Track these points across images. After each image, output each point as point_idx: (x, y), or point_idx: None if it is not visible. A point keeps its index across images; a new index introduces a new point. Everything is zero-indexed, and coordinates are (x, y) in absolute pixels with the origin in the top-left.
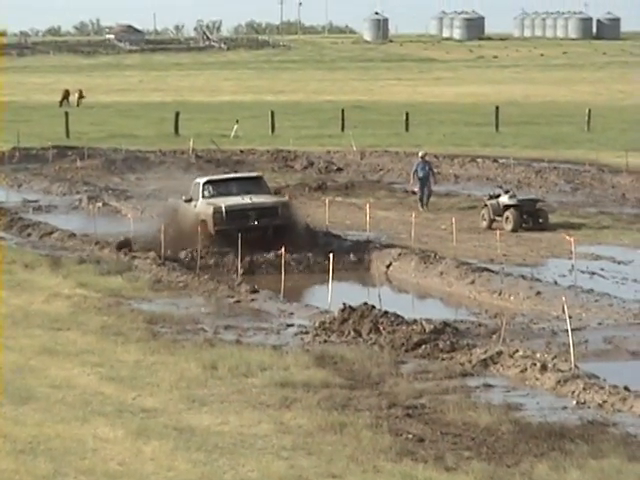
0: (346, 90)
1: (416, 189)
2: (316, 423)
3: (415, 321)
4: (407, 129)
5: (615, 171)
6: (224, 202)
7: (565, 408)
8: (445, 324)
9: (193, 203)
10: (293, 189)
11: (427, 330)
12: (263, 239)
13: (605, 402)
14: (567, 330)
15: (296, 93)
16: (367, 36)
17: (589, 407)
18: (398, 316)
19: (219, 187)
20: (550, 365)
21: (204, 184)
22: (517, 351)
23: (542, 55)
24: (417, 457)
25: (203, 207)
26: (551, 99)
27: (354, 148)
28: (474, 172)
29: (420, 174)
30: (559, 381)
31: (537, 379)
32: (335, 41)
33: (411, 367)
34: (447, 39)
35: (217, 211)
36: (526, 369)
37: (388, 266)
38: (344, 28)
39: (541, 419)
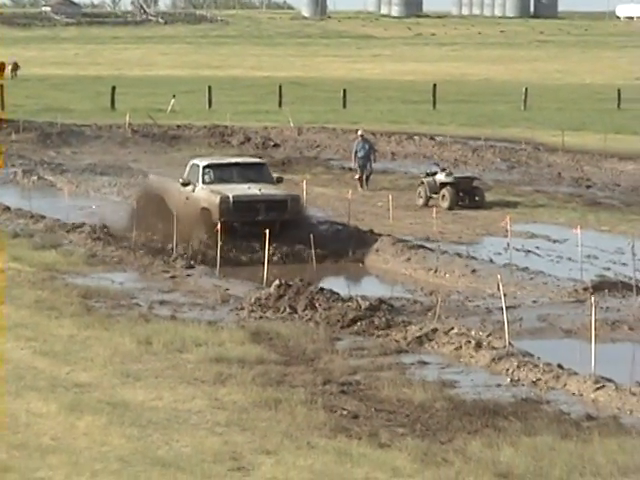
0: (284, 66)
1: (357, 168)
2: (250, 399)
3: (351, 298)
4: (345, 106)
5: (551, 150)
6: (231, 191)
7: (499, 386)
8: (380, 301)
9: (191, 187)
10: None
11: (362, 307)
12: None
13: (539, 380)
14: (502, 308)
15: (234, 68)
16: (305, 12)
17: (523, 385)
18: (334, 293)
19: (221, 172)
20: (485, 343)
21: (204, 168)
22: (452, 328)
23: (480, 33)
24: (351, 433)
25: (205, 194)
26: (488, 77)
27: (291, 124)
28: (411, 150)
29: (360, 153)
30: (493, 359)
31: (472, 356)
32: (273, 17)
33: (346, 344)
34: (385, 16)
35: (224, 201)
36: (461, 346)
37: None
38: (282, 4)
39: (475, 396)
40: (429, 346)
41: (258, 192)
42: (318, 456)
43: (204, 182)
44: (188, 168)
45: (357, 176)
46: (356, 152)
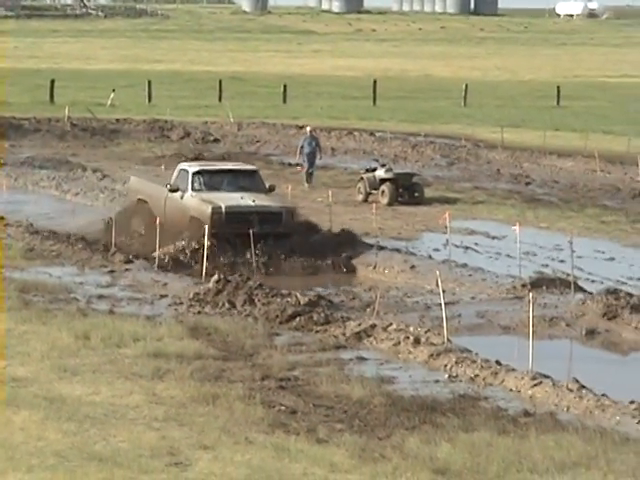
0: (224, 61)
1: (303, 164)
2: (188, 394)
3: (290, 293)
4: (285, 101)
5: (490, 146)
6: (223, 201)
7: (437, 382)
8: (319, 297)
9: (179, 194)
10: (169, 159)
11: (301, 302)
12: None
13: (477, 376)
14: (440, 304)
15: (174, 63)
16: (246, 7)
17: (461, 381)
18: (273, 288)
19: (211, 179)
20: (423, 339)
21: (194, 174)
22: (391, 324)
23: (420, 29)
24: (289, 429)
25: (195, 202)
26: (428, 74)
27: (231, 119)
28: (351, 145)
29: (307, 149)
30: (432, 355)
31: (410, 352)
32: (214, 11)
33: (285, 339)
34: (326, 12)
35: (216, 212)
36: (399, 342)
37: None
38: None
39: (413, 392)
40: (368, 342)
41: (252, 203)
42: (256, 451)
43: (194, 189)
44: (176, 173)
45: (304, 170)
46: (302, 147)
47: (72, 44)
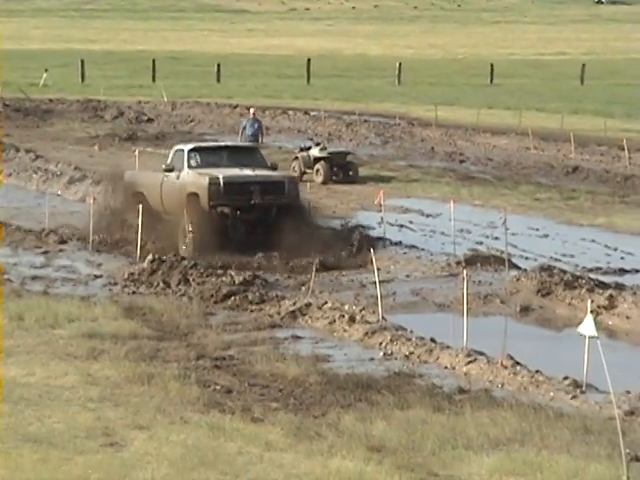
0: (158, 40)
1: None
2: (123, 374)
3: (225, 272)
4: (219, 80)
5: (424, 124)
6: (221, 172)
7: (372, 359)
8: (254, 276)
9: (175, 174)
10: (103, 139)
11: (236, 282)
12: (264, 221)
13: (412, 354)
14: (375, 282)
15: (107, 42)
16: None
17: (396, 358)
18: (208, 267)
19: (208, 156)
20: (358, 317)
21: (190, 151)
22: (326, 303)
23: (354, 8)
24: (224, 408)
25: (192, 177)
26: (362, 52)
27: (165, 99)
28: (285, 124)
29: (249, 131)
30: (367, 333)
31: (345, 331)
32: None
33: (220, 318)
34: None
35: (213, 182)
36: (334, 321)
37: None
38: None
39: (348, 370)
40: (303, 321)
41: (252, 173)
42: (191, 431)
43: (190, 167)
44: (171, 154)
45: None
46: (244, 128)
47: (4, 24)
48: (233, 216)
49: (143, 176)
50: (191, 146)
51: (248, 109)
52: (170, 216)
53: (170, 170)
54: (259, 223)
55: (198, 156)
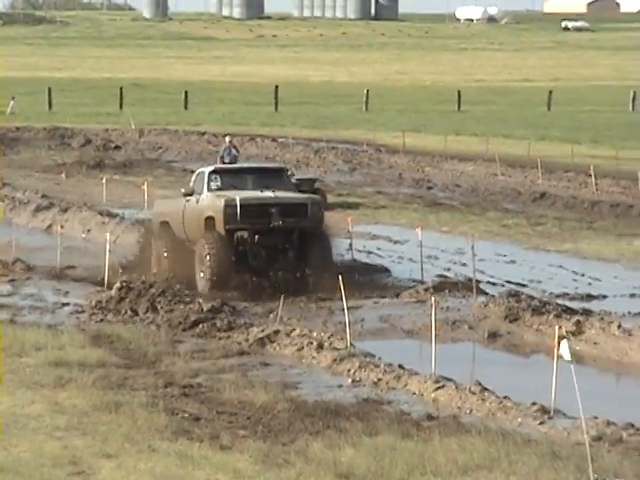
0: (125, 68)
1: None
2: (91, 403)
3: (192, 300)
4: (186, 107)
5: (392, 151)
6: (239, 194)
7: (341, 386)
8: (223, 303)
9: (195, 197)
10: (70, 167)
11: (204, 309)
12: (284, 246)
13: (380, 380)
14: (344, 309)
15: (74, 70)
16: (146, 13)
17: (364, 385)
18: (176, 295)
19: (230, 178)
20: (326, 344)
21: (210, 174)
22: (294, 330)
23: (321, 35)
24: (193, 436)
25: (209, 200)
26: (330, 79)
27: (132, 126)
28: (253, 151)
29: (227, 160)
30: (335, 359)
31: (313, 357)
32: (114, 18)
33: (188, 346)
34: (227, 18)
35: (229, 204)
36: (303, 348)
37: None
38: (123, 5)
39: (317, 397)
40: (271, 348)
41: (271, 194)
42: (159, 459)
43: (210, 189)
44: (193, 177)
45: None
46: (222, 157)
47: None
48: (252, 241)
49: (169, 204)
50: (211, 168)
51: (224, 137)
52: (190, 244)
53: (189, 194)
54: (281, 249)
55: (219, 179)
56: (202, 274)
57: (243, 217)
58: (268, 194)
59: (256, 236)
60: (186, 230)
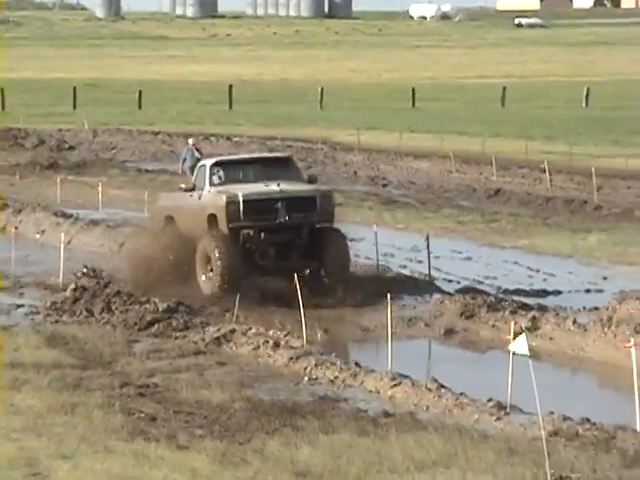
0: (78, 67)
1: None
2: (47, 404)
3: (148, 300)
4: (140, 107)
5: (347, 149)
6: (241, 190)
7: (297, 384)
8: (179, 303)
9: (196, 193)
10: (24, 168)
11: (160, 309)
12: (293, 243)
13: (336, 378)
14: (300, 307)
15: (27, 70)
16: (99, 13)
17: (321, 383)
18: (131, 295)
19: (233, 171)
20: (283, 342)
21: (212, 166)
22: (250, 329)
23: (275, 34)
24: (149, 436)
25: (211, 197)
26: (284, 78)
27: (86, 126)
28: (208, 150)
29: (189, 162)
30: (291, 358)
31: (270, 356)
32: (66, 18)
33: (144, 346)
34: (180, 17)
35: (232, 201)
36: (259, 346)
37: (121, 245)
38: (75, 5)
39: (273, 396)
40: (227, 347)
41: (276, 188)
42: (116, 459)
43: (212, 184)
44: (195, 171)
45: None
46: (184, 160)
47: None
48: (258, 239)
49: (174, 197)
50: (213, 160)
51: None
52: (195, 238)
53: (190, 190)
54: (292, 247)
55: (222, 171)
56: (204, 276)
57: (247, 214)
58: (273, 188)
59: (262, 234)
60: (189, 227)
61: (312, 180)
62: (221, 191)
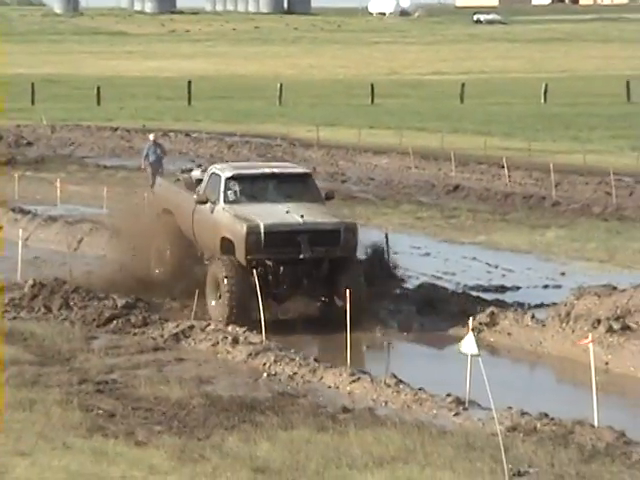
0: (36, 63)
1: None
2: (5, 400)
3: (107, 296)
4: (99, 103)
5: (306, 145)
6: (262, 217)
7: (256, 380)
8: (137, 299)
9: (209, 206)
10: None
11: (119, 305)
12: (311, 278)
13: (295, 374)
14: (258, 303)
15: None
16: (57, 9)
17: (280, 379)
18: (90, 291)
19: (250, 186)
20: (242, 338)
21: (228, 180)
22: (209, 325)
23: (234, 30)
24: (108, 433)
25: (228, 220)
26: (243, 74)
27: (44, 122)
28: (167, 146)
29: (151, 158)
30: (250, 354)
31: (229, 352)
32: (24, 13)
33: (102, 342)
34: (139, 12)
35: (253, 232)
36: (218, 342)
37: (80, 241)
38: (33, 0)
39: (232, 392)
40: (186, 343)
41: (299, 220)
42: (74, 456)
43: (227, 200)
44: (206, 177)
45: (150, 181)
46: (147, 155)
47: None
48: (275, 271)
49: (175, 192)
50: (229, 173)
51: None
52: (198, 246)
53: (203, 202)
54: (305, 275)
55: (237, 187)
56: (214, 301)
57: (268, 246)
58: (296, 219)
59: (281, 267)
60: (196, 235)
61: (329, 196)
62: (240, 216)
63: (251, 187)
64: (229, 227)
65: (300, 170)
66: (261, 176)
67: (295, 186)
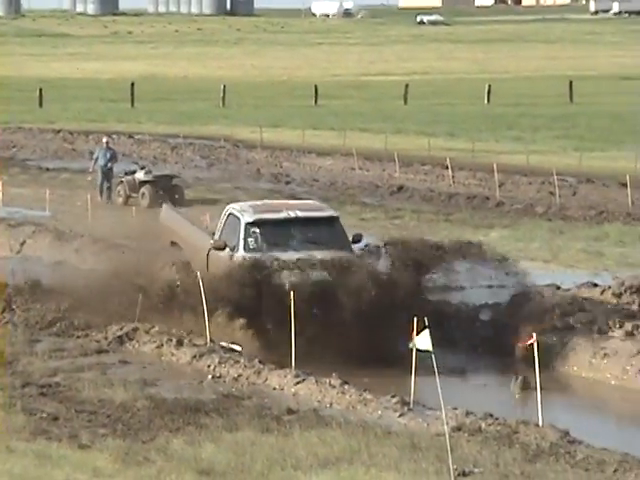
0: None
1: (95, 176)
2: None
3: (49, 299)
4: (41, 105)
5: (250, 146)
6: (287, 276)
7: (201, 382)
8: (81, 302)
9: (228, 253)
10: None
11: (62, 308)
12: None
13: (240, 376)
14: (203, 305)
15: None
16: None
17: (225, 381)
18: (33, 294)
19: (272, 233)
20: (186, 340)
21: (248, 225)
22: (153, 327)
23: (177, 31)
24: (51, 436)
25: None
26: (186, 75)
27: None
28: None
29: (101, 161)
30: (195, 356)
31: (173, 354)
32: None
33: (45, 345)
34: (81, 14)
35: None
36: (162, 345)
37: (22, 244)
38: None
39: (177, 394)
40: (130, 345)
41: (327, 276)
42: (17, 459)
43: (247, 249)
44: (223, 218)
45: (98, 182)
46: (97, 159)
47: None
48: None
49: (184, 226)
50: (250, 219)
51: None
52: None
53: (221, 249)
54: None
55: (259, 233)
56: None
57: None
58: (324, 275)
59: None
60: (210, 276)
61: (356, 240)
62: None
63: (273, 233)
64: None
65: (327, 213)
66: (285, 221)
67: (321, 231)
